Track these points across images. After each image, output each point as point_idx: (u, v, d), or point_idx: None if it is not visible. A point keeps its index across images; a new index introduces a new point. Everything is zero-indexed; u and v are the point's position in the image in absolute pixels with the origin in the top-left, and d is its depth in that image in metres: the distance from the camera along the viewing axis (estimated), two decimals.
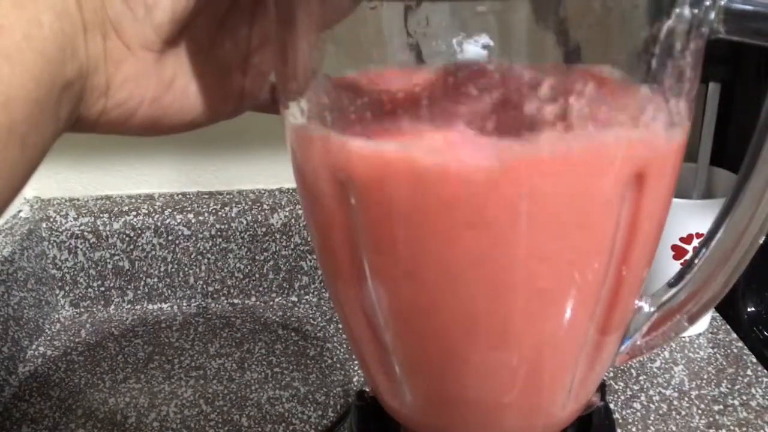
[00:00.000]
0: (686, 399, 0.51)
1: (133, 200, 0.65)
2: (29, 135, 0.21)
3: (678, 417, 0.50)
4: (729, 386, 0.53)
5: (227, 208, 0.64)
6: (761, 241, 0.24)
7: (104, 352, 0.59)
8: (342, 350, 0.59)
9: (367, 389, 0.32)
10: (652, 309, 0.27)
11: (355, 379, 0.55)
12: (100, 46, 0.23)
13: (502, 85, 0.21)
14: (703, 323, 0.60)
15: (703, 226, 0.54)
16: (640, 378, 0.54)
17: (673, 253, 0.55)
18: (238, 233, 0.64)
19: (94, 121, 0.25)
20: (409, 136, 0.22)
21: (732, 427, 0.48)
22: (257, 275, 0.66)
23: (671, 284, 0.27)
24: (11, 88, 0.20)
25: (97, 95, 0.24)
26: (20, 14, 0.21)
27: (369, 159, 0.23)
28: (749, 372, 0.54)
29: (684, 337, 0.58)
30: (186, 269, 0.65)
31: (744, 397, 0.51)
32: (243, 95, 0.28)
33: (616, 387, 0.53)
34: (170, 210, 0.64)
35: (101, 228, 0.63)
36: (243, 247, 0.64)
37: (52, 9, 0.21)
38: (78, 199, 0.66)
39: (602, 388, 0.31)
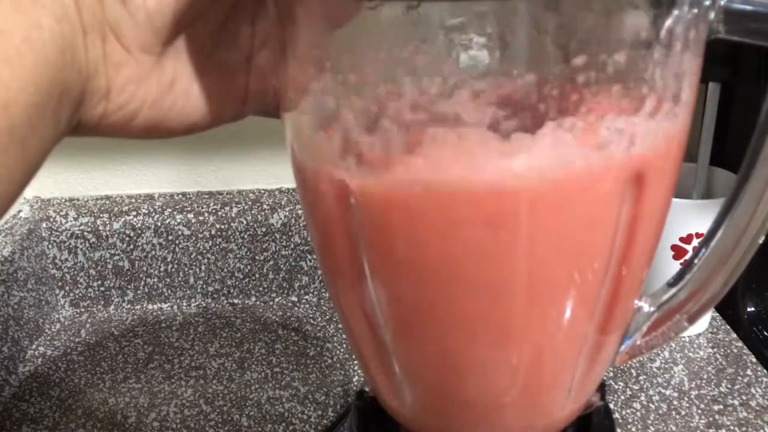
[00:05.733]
0: (686, 399, 0.51)
1: (133, 200, 0.66)
2: (29, 138, 0.21)
3: (678, 417, 0.50)
4: (729, 386, 0.53)
5: (227, 208, 0.64)
6: (761, 241, 0.24)
7: (104, 352, 0.59)
8: (342, 350, 0.59)
9: (367, 389, 0.32)
10: (652, 309, 0.27)
11: (355, 379, 0.55)
12: (99, 49, 0.23)
13: (500, 87, 0.21)
14: (702, 323, 0.60)
15: (703, 226, 0.54)
16: (640, 378, 0.54)
17: (673, 253, 0.55)
18: (238, 233, 0.64)
19: (95, 124, 0.25)
20: (410, 137, 0.22)
21: (732, 427, 0.48)
22: (257, 275, 0.66)
23: (671, 284, 0.27)
24: (11, 92, 0.20)
25: (98, 98, 0.24)
26: (20, 18, 0.21)
27: (369, 160, 0.23)
28: (749, 372, 0.54)
29: (684, 337, 0.58)
30: (186, 269, 0.65)
31: (744, 397, 0.51)
32: (246, 97, 0.28)
33: (616, 387, 0.53)
34: (170, 210, 0.64)
35: (101, 228, 0.63)
36: (243, 247, 0.64)
37: (52, 13, 0.21)
38: (78, 199, 0.66)
39: (602, 388, 0.31)
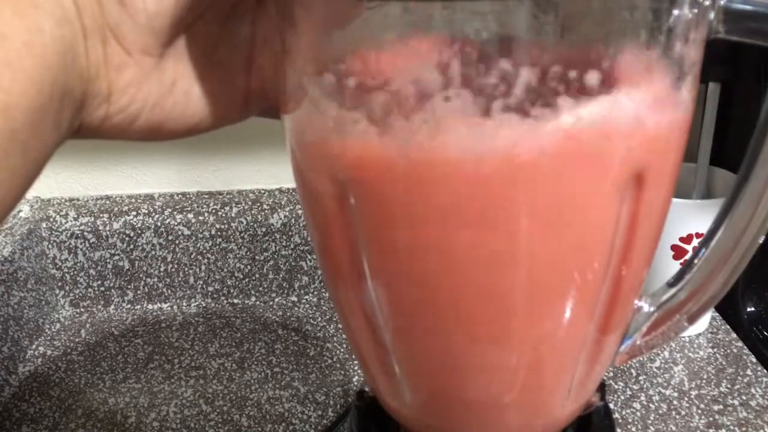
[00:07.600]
0: (686, 399, 0.51)
1: (133, 200, 0.66)
2: (31, 142, 0.21)
3: (678, 417, 0.50)
4: (729, 386, 0.53)
5: (227, 208, 0.64)
6: (761, 241, 0.24)
7: (104, 352, 0.59)
8: (342, 350, 0.59)
9: (367, 389, 0.32)
10: (652, 309, 0.27)
11: (355, 379, 0.55)
12: (100, 52, 0.23)
13: (498, 84, 0.21)
14: (702, 323, 0.60)
15: (703, 226, 0.54)
16: (640, 378, 0.54)
17: (673, 253, 0.55)
18: (238, 233, 0.64)
19: (97, 127, 0.25)
20: (408, 136, 0.22)
21: (732, 427, 0.49)
22: (257, 275, 0.66)
23: (671, 284, 0.27)
24: (12, 96, 0.20)
25: (99, 101, 0.24)
26: (20, 22, 0.20)
27: (368, 160, 0.23)
28: (749, 372, 0.54)
29: (684, 337, 0.58)
30: (186, 269, 0.65)
31: (744, 397, 0.51)
32: (248, 98, 0.28)
33: (616, 387, 0.53)
34: (170, 210, 0.64)
35: (101, 228, 0.63)
36: (243, 247, 0.64)
37: (53, 16, 0.21)
38: (78, 199, 0.66)
39: (602, 388, 0.31)
